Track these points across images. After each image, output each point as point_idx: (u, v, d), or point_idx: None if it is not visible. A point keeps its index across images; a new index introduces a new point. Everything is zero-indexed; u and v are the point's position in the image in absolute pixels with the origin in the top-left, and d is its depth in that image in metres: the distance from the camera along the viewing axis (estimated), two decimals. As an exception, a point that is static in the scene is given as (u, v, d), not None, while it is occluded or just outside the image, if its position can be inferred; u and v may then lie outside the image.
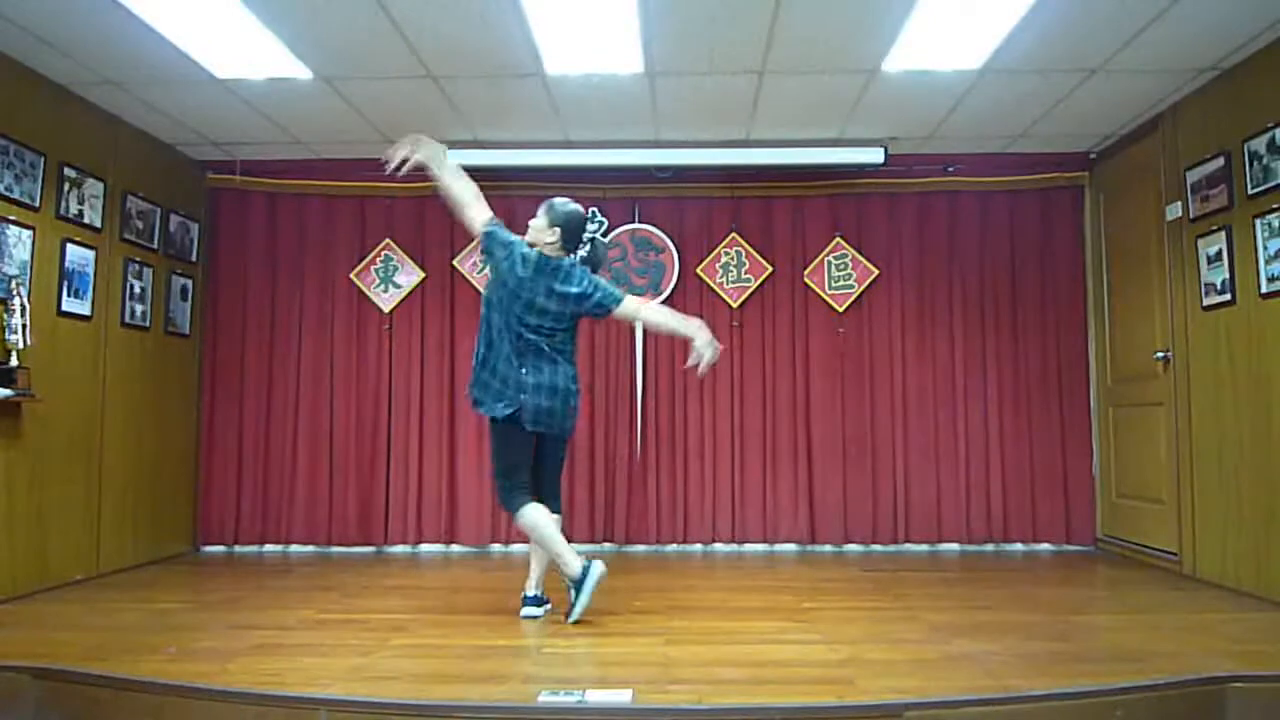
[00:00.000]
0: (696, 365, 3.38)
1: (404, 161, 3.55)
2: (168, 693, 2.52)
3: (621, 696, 2.46)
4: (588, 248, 3.71)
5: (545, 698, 2.45)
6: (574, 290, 3.44)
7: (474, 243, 5.44)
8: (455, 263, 5.54)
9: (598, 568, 3.37)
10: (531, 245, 3.51)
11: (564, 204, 3.55)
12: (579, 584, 3.35)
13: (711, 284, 5.49)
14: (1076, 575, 4.63)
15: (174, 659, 2.90)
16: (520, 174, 5.39)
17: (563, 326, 3.48)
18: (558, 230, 3.49)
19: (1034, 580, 4.45)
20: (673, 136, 5.09)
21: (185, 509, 5.37)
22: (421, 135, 3.62)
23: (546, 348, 3.44)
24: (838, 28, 3.72)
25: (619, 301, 3.47)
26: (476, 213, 3.59)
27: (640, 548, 5.41)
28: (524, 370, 3.41)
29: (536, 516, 3.42)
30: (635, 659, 2.96)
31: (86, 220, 4.45)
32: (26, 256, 4.02)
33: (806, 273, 5.50)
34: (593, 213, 5.13)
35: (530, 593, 3.56)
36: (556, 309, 3.44)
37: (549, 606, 3.57)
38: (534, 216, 3.53)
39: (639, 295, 5.46)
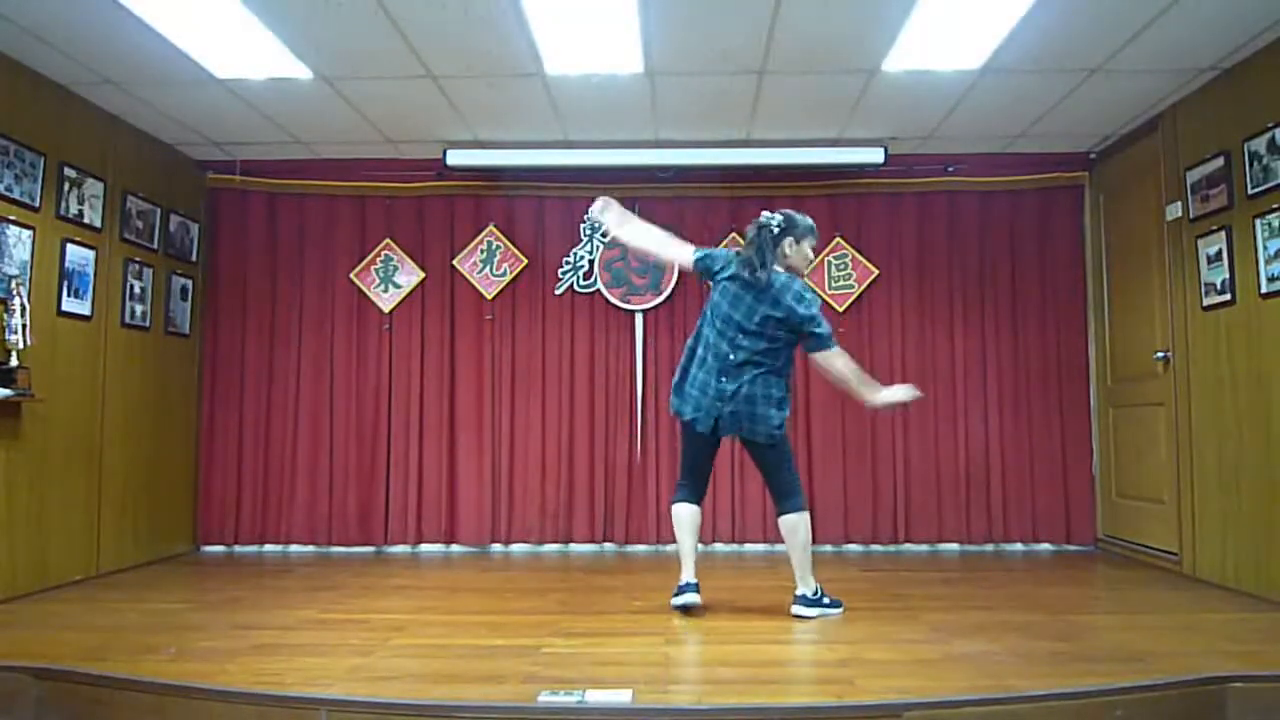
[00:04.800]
0: None
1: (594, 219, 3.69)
2: (168, 693, 2.52)
3: (621, 696, 2.46)
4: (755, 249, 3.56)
5: (545, 698, 2.45)
6: (801, 311, 3.44)
7: (474, 242, 5.52)
8: (455, 263, 5.54)
9: (688, 597, 3.55)
10: (790, 269, 3.55)
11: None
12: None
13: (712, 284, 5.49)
14: (1076, 575, 4.63)
15: (174, 659, 2.90)
16: (520, 174, 5.41)
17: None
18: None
19: (1034, 580, 4.45)
20: (673, 136, 5.09)
21: (185, 509, 5.37)
22: (609, 200, 3.67)
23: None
24: (838, 28, 3.73)
25: (819, 343, 3.47)
26: (679, 251, 3.68)
27: (640, 548, 5.41)
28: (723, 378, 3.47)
29: (675, 513, 3.67)
30: (635, 659, 2.96)
31: (86, 220, 4.45)
32: (26, 256, 4.02)
33: (806, 273, 5.49)
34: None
35: (684, 581, 3.60)
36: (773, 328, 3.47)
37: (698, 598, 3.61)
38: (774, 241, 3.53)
39: (639, 296, 5.49)
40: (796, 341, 3.51)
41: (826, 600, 3.57)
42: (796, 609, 3.52)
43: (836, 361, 3.48)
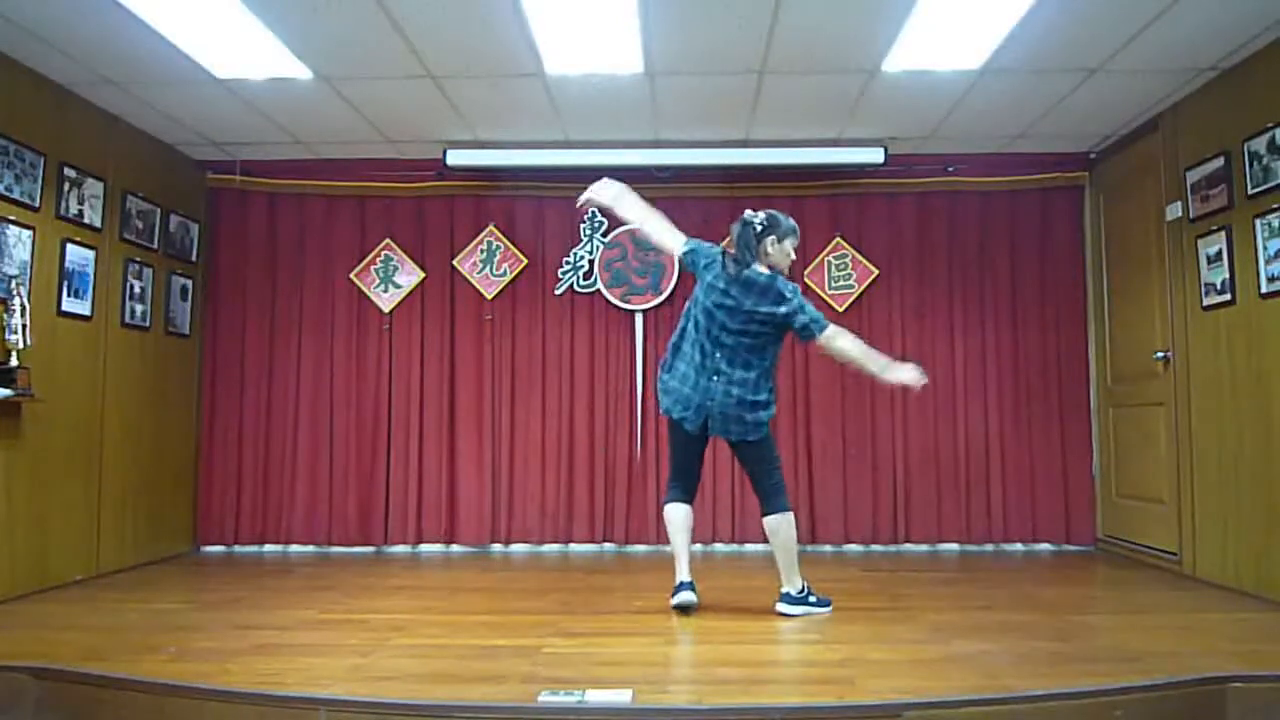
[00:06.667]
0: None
1: (588, 204, 3.71)
2: (168, 693, 2.52)
3: (621, 696, 2.46)
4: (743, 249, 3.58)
5: (545, 698, 2.45)
6: (782, 310, 3.43)
7: (474, 242, 5.52)
8: (455, 263, 5.54)
9: (684, 596, 3.56)
10: (772, 268, 3.53)
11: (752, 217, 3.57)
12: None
13: (711, 284, 5.48)
14: (1076, 575, 4.63)
15: (174, 659, 2.90)
16: (520, 174, 5.41)
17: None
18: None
19: (1034, 580, 4.45)
20: (673, 136, 5.09)
21: (185, 509, 5.37)
22: (608, 180, 3.70)
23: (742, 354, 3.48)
24: (838, 28, 3.73)
25: (818, 328, 3.44)
26: (672, 241, 3.68)
27: (640, 548, 5.41)
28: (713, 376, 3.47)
29: (667, 514, 3.68)
30: (635, 659, 2.96)
31: (86, 220, 4.45)
32: (26, 256, 4.02)
33: (806, 273, 5.50)
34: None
35: (680, 580, 3.60)
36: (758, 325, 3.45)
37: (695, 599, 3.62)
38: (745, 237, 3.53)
39: (638, 295, 5.49)
40: (781, 337, 3.52)
41: (813, 599, 3.58)
42: (781, 607, 3.55)
43: (837, 342, 3.47)
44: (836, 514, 5.38)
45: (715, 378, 3.44)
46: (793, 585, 3.56)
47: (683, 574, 3.60)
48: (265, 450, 5.46)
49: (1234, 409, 4.06)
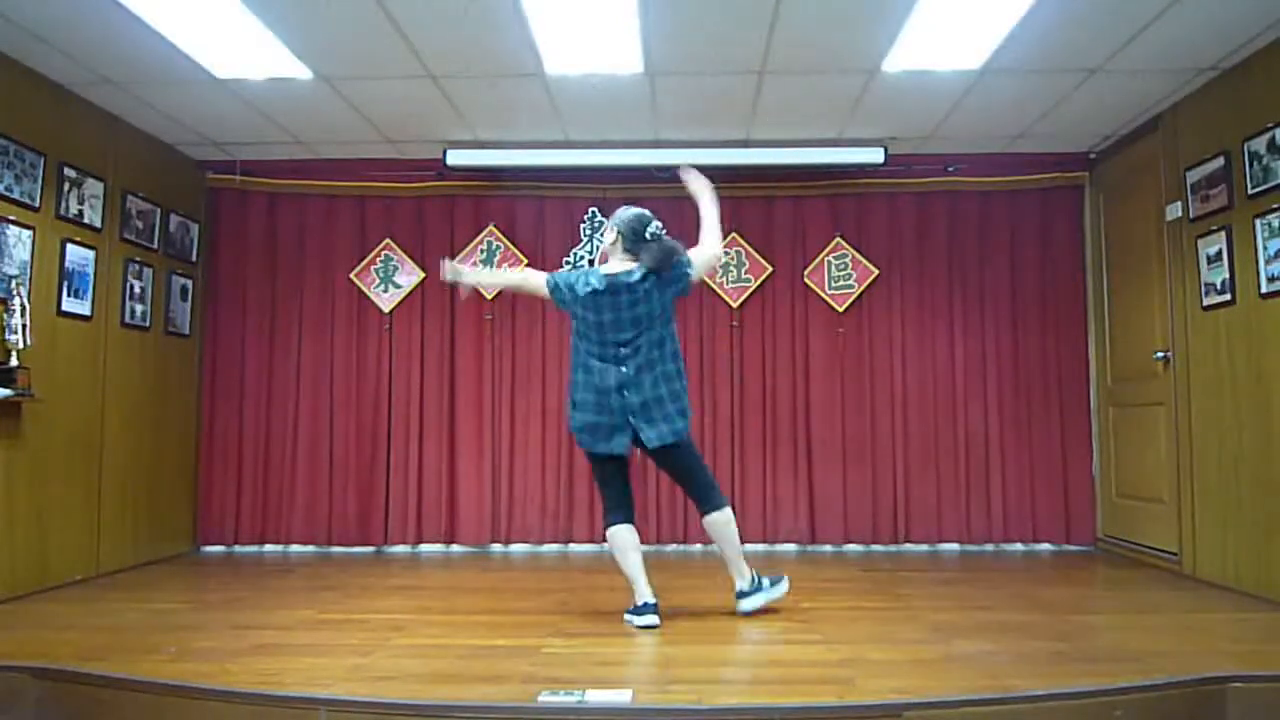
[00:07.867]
0: None
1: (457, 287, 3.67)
2: (168, 693, 2.52)
3: (621, 696, 2.46)
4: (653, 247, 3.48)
5: (545, 698, 2.45)
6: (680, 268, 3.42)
7: (474, 242, 5.52)
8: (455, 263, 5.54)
9: (650, 619, 3.36)
10: (604, 260, 3.51)
11: (624, 209, 3.56)
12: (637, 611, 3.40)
13: (711, 284, 5.48)
14: (1076, 575, 4.63)
15: (174, 659, 2.90)
16: (520, 174, 5.41)
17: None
18: (616, 231, 3.48)
19: (1034, 580, 4.45)
20: (673, 136, 5.09)
21: (185, 509, 5.37)
22: (452, 265, 3.69)
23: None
24: (838, 28, 3.73)
25: (691, 266, 3.45)
26: (535, 282, 3.61)
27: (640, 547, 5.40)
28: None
29: (611, 538, 3.53)
30: (635, 659, 2.97)
31: (86, 220, 4.45)
32: (26, 256, 4.02)
33: (806, 273, 5.50)
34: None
35: (646, 601, 3.42)
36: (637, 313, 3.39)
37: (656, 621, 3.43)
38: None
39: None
40: (670, 314, 3.44)
41: (767, 581, 3.55)
42: (743, 605, 3.50)
43: (707, 252, 3.57)
44: (836, 514, 5.38)
45: (626, 391, 3.34)
46: (744, 579, 3.52)
47: (646, 595, 3.40)
48: (265, 450, 5.46)
49: (1234, 409, 4.06)
